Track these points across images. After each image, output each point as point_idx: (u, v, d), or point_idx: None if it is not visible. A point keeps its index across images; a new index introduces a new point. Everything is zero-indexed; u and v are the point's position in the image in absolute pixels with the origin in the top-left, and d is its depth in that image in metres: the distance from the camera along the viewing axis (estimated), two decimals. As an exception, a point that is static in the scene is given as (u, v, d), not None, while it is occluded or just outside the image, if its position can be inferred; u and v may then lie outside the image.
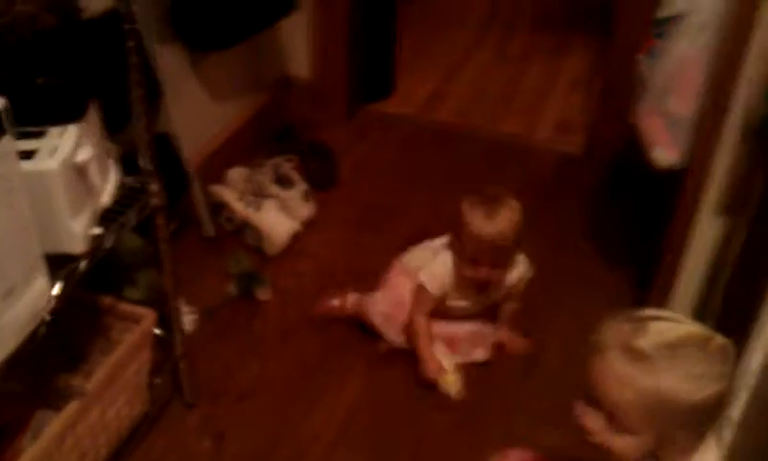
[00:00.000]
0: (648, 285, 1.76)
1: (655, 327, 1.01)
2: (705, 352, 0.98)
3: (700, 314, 1.57)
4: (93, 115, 1.28)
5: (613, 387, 1.00)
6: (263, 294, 1.90)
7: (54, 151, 1.16)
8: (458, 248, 1.65)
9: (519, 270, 1.72)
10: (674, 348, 0.98)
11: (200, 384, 1.65)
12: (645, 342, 0.98)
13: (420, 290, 1.70)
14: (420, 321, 1.71)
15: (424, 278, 1.69)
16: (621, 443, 1.02)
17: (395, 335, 1.75)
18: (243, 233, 2.07)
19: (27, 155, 1.14)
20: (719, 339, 1.00)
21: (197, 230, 2.07)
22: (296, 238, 2.07)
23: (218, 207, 2.10)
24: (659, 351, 0.97)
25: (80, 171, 1.21)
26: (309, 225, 2.13)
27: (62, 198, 1.17)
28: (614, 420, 1.01)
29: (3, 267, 1.03)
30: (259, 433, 1.59)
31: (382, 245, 1.99)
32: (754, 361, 1.22)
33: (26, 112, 1.09)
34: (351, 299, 1.84)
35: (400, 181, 2.35)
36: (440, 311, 1.73)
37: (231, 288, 1.91)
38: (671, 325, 1.02)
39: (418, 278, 1.70)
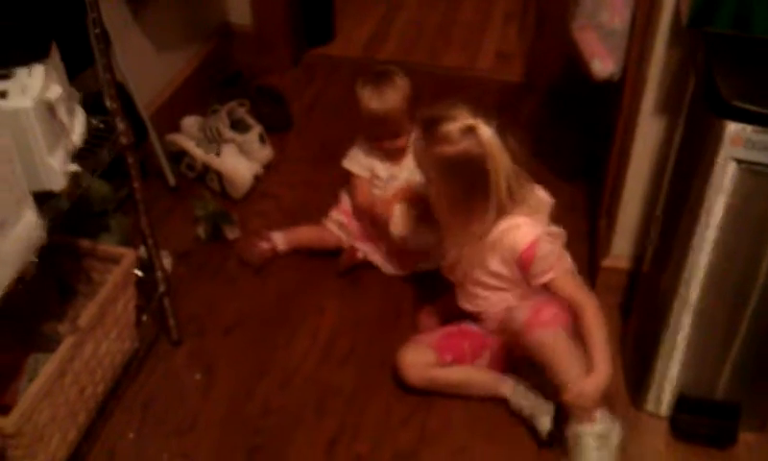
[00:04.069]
0: (600, 191, 1.88)
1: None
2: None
3: (648, 209, 1.69)
4: (56, 55, 1.29)
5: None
6: (232, 233, 1.94)
7: (25, 90, 1.17)
8: (361, 125, 1.81)
9: None
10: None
11: (183, 322, 1.69)
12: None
13: (351, 179, 1.85)
14: (363, 203, 1.83)
15: (347, 164, 1.85)
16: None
17: (347, 238, 1.87)
18: (205, 179, 2.09)
19: (-2, 96, 1.15)
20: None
21: (158, 181, 2.08)
22: (257, 180, 2.11)
23: (177, 156, 2.11)
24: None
25: (51, 109, 1.22)
26: (268, 166, 2.17)
27: (39, 135, 1.18)
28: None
29: (-5, 199, 1.05)
30: (247, 362, 1.65)
31: (340, 179, 2.04)
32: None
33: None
34: (278, 237, 1.90)
35: (351, 118, 2.38)
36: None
37: (200, 231, 1.94)
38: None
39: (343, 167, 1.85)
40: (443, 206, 1.50)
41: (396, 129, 1.75)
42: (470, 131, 1.40)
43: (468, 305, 1.59)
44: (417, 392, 1.57)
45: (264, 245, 1.90)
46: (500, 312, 1.53)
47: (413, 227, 1.71)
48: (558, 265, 1.45)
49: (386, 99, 1.72)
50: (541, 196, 1.51)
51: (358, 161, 1.84)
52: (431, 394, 1.57)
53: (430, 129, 1.44)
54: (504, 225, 1.45)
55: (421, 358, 1.55)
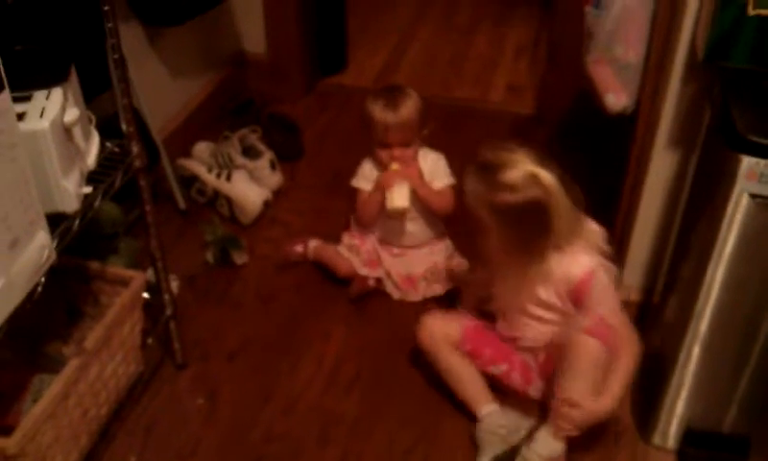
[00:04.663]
0: (611, 224, 1.87)
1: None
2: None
3: (660, 242, 1.68)
4: (74, 79, 1.30)
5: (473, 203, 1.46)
6: (240, 258, 1.94)
7: (43, 112, 1.18)
8: (370, 141, 1.82)
9: (432, 157, 1.86)
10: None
11: (188, 346, 1.69)
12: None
13: (356, 195, 1.87)
14: (362, 207, 1.86)
15: (355, 182, 1.87)
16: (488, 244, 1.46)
17: (357, 262, 1.86)
18: (215, 205, 2.10)
19: (16, 118, 1.16)
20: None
21: (168, 205, 2.09)
22: (266, 206, 2.11)
23: (188, 181, 2.12)
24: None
25: (67, 132, 1.23)
26: (278, 194, 2.18)
27: (55, 157, 1.19)
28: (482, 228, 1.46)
29: (8, 218, 1.06)
30: (251, 389, 1.64)
31: (350, 207, 2.04)
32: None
33: (8, 78, 1.11)
34: (312, 244, 1.94)
35: (362, 148, 2.41)
36: (389, 229, 1.86)
37: (208, 256, 1.95)
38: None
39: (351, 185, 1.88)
40: (500, 250, 1.48)
41: (408, 139, 1.78)
42: (533, 177, 1.39)
43: (507, 332, 1.57)
44: (421, 422, 1.57)
45: (298, 248, 1.94)
46: (539, 340, 1.52)
47: (410, 204, 1.76)
48: (611, 299, 1.45)
49: (400, 111, 1.75)
50: (593, 228, 1.51)
51: (365, 176, 1.87)
52: (435, 421, 1.56)
53: (490, 176, 1.42)
54: (559, 257, 1.45)
55: (443, 330, 1.57)
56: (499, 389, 1.58)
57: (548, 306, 1.49)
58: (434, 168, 1.84)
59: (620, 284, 1.75)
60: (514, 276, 1.50)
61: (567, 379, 1.40)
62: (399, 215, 1.80)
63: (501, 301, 1.58)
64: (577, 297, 1.45)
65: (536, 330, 1.52)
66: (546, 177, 1.39)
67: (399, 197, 1.75)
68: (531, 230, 1.42)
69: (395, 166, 1.79)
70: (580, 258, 1.44)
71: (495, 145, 1.46)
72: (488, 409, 1.51)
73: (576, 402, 1.38)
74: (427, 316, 1.62)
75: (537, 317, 1.51)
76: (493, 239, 1.46)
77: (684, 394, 1.46)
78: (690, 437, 1.49)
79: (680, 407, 1.48)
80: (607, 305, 1.43)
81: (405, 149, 1.79)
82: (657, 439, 1.53)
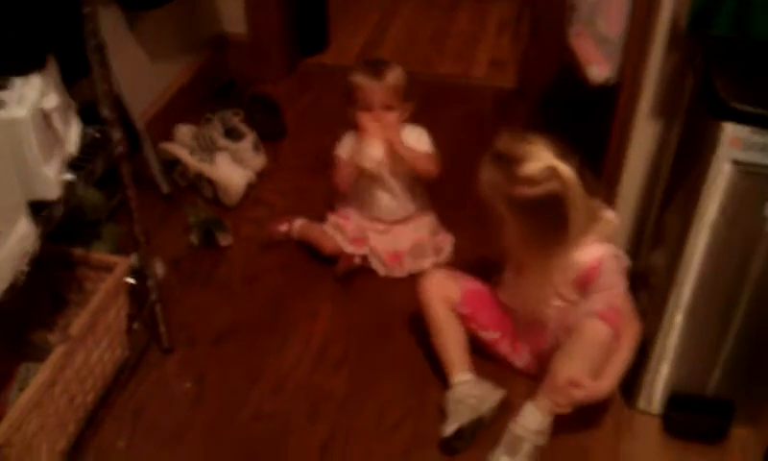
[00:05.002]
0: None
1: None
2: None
3: (643, 211, 1.69)
4: (53, 65, 1.29)
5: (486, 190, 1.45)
6: (225, 239, 1.93)
7: (21, 99, 1.17)
8: (352, 112, 1.81)
9: (416, 132, 1.85)
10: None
11: (175, 329, 1.68)
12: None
13: (335, 161, 1.87)
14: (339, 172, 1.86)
15: (335, 151, 1.88)
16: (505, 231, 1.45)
17: (343, 240, 1.86)
18: (199, 187, 2.09)
19: (-5, 106, 1.14)
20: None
21: (151, 189, 2.07)
22: (250, 188, 2.10)
23: (170, 164, 2.11)
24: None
25: (47, 119, 1.21)
26: (261, 174, 2.17)
27: (35, 144, 1.18)
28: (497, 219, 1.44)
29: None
30: (239, 371, 1.64)
31: (333, 187, 2.04)
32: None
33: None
34: (298, 223, 1.95)
35: (345, 127, 2.40)
36: (368, 202, 1.87)
37: (192, 238, 1.94)
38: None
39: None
40: (517, 244, 1.47)
41: (392, 106, 1.78)
42: (553, 170, 1.37)
43: (506, 300, 1.59)
44: (409, 397, 1.58)
45: (282, 227, 1.95)
46: (543, 319, 1.53)
47: (386, 158, 1.77)
48: (618, 285, 1.45)
49: (386, 76, 1.77)
50: (609, 217, 1.50)
51: (345, 147, 1.87)
52: (423, 396, 1.58)
53: (509, 168, 1.40)
54: (575, 250, 1.45)
55: (444, 290, 1.58)
56: (482, 353, 1.60)
57: (562, 296, 1.49)
58: (417, 142, 1.84)
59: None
60: (535, 271, 1.50)
61: (568, 358, 1.39)
62: (375, 168, 1.79)
63: (521, 296, 1.57)
64: (585, 282, 1.45)
65: (546, 314, 1.53)
66: (565, 170, 1.38)
67: (373, 151, 1.76)
68: (548, 222, 1.41)
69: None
70: (591, 247, 1.44)
71: (513, 135, 1.44)
72: (462, 377, 1.52)
73: (579, 382, 1.38)
74: (432, 272, 1.64)
75: (553, 306, 1.51)
76: (510, 230, 1.45)
77: (668, 360, 1.48)
78: (675, 401, 1.51)
79: (664, 372, 1.50)
80: (614, 290, 1.43)
81: (387, 113, 1.78)
82: (642, 403, 1.55)
